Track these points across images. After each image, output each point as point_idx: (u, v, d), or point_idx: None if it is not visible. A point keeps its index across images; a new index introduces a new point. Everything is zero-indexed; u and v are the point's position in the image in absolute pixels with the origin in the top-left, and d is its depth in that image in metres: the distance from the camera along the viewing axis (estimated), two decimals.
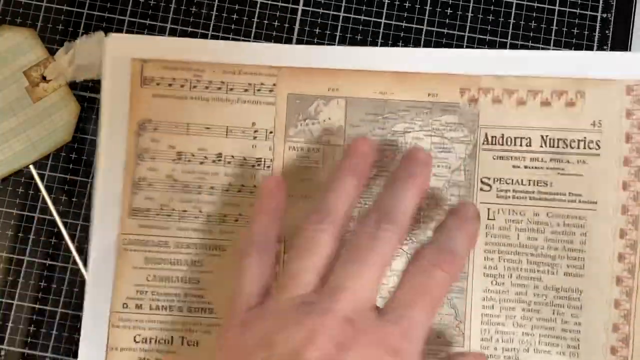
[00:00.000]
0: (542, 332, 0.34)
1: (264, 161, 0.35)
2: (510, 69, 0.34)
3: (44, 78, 0.37)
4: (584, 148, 0.34)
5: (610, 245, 0.34)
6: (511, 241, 0.34)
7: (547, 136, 0.34)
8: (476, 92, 0.34)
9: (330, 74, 0.35)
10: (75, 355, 0.36)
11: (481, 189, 0.34)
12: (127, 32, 0.38)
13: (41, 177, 0.38)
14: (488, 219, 0.34)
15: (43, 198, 0.38)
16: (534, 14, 0.38)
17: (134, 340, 0.35)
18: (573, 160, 0.34)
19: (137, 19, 0.39)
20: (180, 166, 0.35)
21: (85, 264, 0.37)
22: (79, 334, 0.36)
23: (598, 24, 0.38)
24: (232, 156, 0.35)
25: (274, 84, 0.35)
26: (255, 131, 0.35)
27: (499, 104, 0.34)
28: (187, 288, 0.35)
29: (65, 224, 0.38)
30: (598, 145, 0.34)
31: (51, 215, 0.38)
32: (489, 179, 0.34)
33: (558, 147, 0.34)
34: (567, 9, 0.38)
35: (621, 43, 0.38)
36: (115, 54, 0.36)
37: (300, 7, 0.38)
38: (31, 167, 0.38)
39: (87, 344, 0.35)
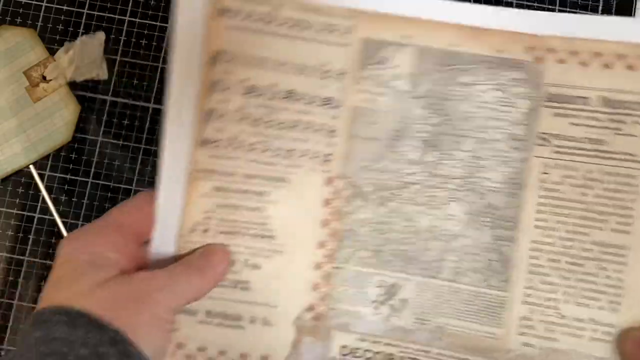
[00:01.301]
0: (584, 285, 0.36)
1: (333, 101, 0.37)
2: (576, 32, 0.36)
3: (44, 78, 0.38)
4: None
5: None
6: (563, 196, 0.36)
7: (606, 97, 0.36)
8: (542, 52, 0.36)
9: (405, 22, 0.36)
10: None
11: (539, 144, 0.36)
12: (128, 32, 0.39)
13: (41, 177, 0.39)
14: (543, 173, 0.36)
15: (43, 198, 0.39)
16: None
17: None
18: (629, 121, 0.36)
19: (137, 19, 0.39)
20: (251, 100, 0.37)
21: None
22: None
23: None
24: (303, 94, 0.37)
25: (350, 27, 0.36)
26: (327, 71, 0.37)
27: (563, 64, 0.36)
28: (252, 216, 0.37)
29: (65, 224, 0.39)
30: None
31: (51, 215, 0.39)
32: (547, 134, 0.36)
33: (616, 107, 0.36)
34: (567, 9, 0.40)
35: None
36: None
37: None
38: (31, 167, 0.39)
39: (158, 264, 0.36)
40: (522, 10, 0.36)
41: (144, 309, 0.31)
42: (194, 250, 0.36)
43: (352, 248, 0.37)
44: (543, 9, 0.39)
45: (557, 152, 0.36)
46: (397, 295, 0.37)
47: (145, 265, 0.36)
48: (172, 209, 0.36)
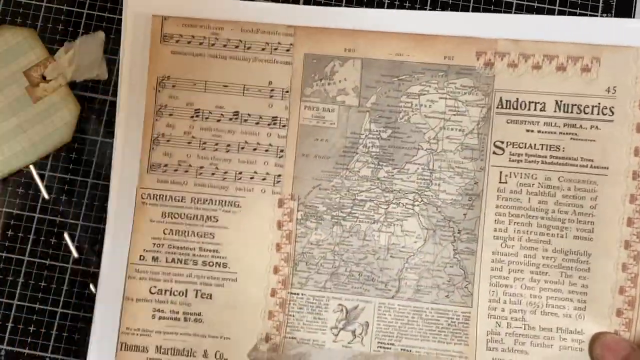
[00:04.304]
0: (549, 294, 0.35)
1: (280, 120, 0.36)
2: (527, 34, 0.34)
3: (44, 78, 0.38)
4: (598, 114, 0.34)
5: (620, 210, 0.34)
6: (522, 204, 0.35)
7: (561, 101, 0.35)
8: (492, 56, 0.35)
9: (347, 34, 0.35)
10: (76, 355, 0.37)
11: (494, 153, 0.35)
12: None
13: (41, 177, 0.38)
14: (500, 182, 0.35)
15: (43, 198, 0.38)
16: (535, 14, 0.38)
17: (150, 292, 0.36)
18: (586, 126, 0.34)
19: None
20: (197, 123, 0.36)
21: (86, 264, 0.37)
22: (79, 334, 0.37)
23: None
24: (249, 114, 0.36)
25: (291, 44, 0.35)
26: (272, 90, 0.36)
27: (514, 68, 0.35)
28: (202, 242, 0.36)
29: (65, 224, 0.38)
30: (612, 112, 0.34)
31: (51, 215, 0.38)
32: (502, 142, 0.35)
33: (572, 112, 0.35)
34: (567, 9, 0.38)
35: None
36: (137, 10, 0.36)
37: None
38: (31, 167, 0.38)
39: (104, 294, 0.35)
40: (469, 14, 0.35)
41: None
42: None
43: (307, 272, 0.35)
44: (543, 9, 0.38)
45: (513, 160, 0.35)
46: (357, 319, 0.35)
47: None
48: (121, 236, 0.35)
